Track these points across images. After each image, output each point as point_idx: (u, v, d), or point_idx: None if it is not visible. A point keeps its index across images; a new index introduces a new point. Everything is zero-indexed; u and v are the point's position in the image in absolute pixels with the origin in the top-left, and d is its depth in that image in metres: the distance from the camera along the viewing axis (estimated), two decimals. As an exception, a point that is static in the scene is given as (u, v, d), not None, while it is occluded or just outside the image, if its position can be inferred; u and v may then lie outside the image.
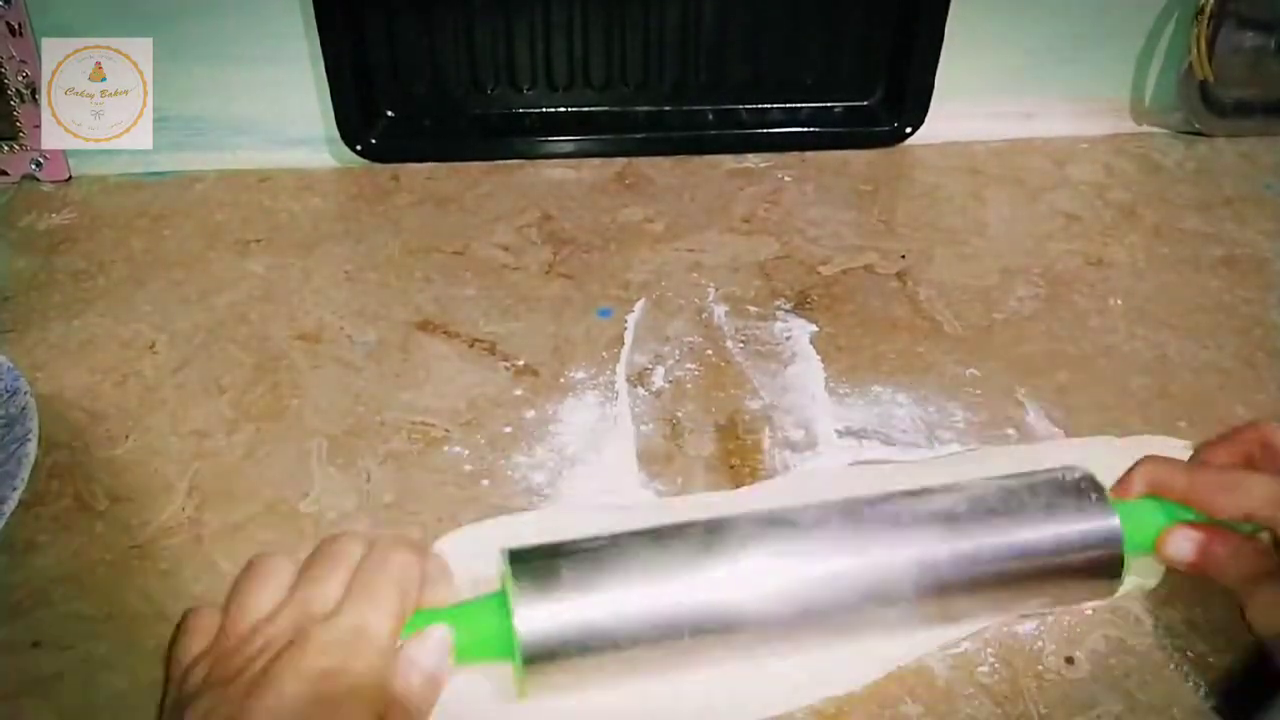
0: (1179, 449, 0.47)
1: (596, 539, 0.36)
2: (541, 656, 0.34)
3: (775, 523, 0.37)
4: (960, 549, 0.37)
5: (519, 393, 0.52)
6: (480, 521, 0.44)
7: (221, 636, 0.32)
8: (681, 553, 0.36)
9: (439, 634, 0.33)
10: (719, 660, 0.37)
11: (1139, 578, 0.42)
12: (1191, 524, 0.38)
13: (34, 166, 0.68)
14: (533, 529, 0.43)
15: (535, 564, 0.35)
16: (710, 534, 0.36)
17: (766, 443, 0.49)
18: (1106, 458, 0.46)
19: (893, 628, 0.38)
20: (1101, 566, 0.38)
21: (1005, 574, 0.37)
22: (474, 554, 0.40)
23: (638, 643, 0.34)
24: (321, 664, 0.30)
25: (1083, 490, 0.38)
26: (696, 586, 0.35)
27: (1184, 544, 0.37)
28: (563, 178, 0.70)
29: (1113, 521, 0.37)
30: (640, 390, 0.52)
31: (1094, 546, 0.37)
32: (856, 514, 0.38)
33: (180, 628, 0.33)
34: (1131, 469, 0.40)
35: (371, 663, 0.31)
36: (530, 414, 0.50)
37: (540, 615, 0.34)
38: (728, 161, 0.72)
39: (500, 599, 0.35)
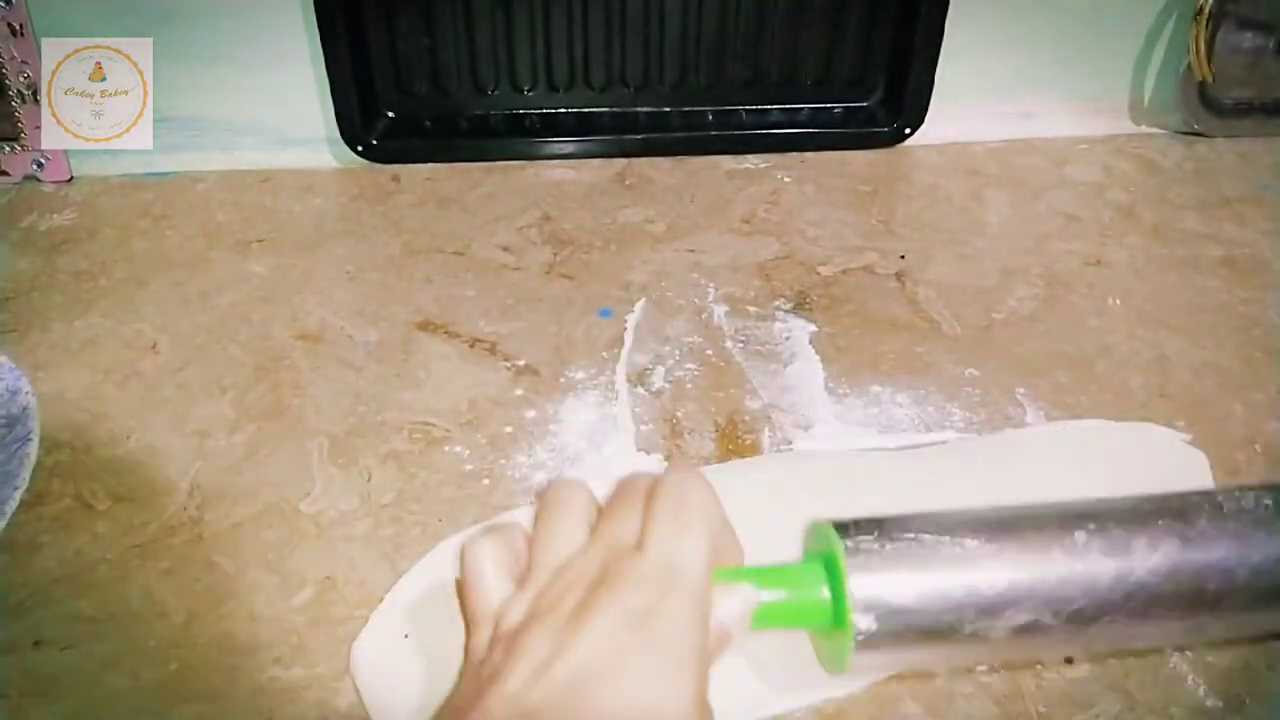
0: (1176, 439, 0.49)
1: (918, 516, 0.35)
2: (875, 628, 0.33)
3: (1082, 517, 0.35)
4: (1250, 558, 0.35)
5: (519, 393, 0.52)
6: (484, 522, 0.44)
7: (531, 576, 0.33)
8: (1001, 540, 0.35)
9: (746, 590, 0.33)
10: (1039, 652, 0.37)
11: None
12: None
13: (35, 167, 0.68)
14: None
15: (862, 536, 0.34)
16: (1024, 526, 0.35)
17: (766, 443, 0.49)
18: (1102, 440, 0.48)
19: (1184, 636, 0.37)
20: None
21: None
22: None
23: (964, 624, 0.33)
24: (636, 602, 0.29)
25: None
26: (1024, 576, 0.34)
27: None
28: (563, 178, 0.70)
29: None
30: (640, 390, 0.52)
31: None
32: (1142, 521, 0.35)
33: (470, 566, 0.34)
34: None
35: (687, 599, 0.30)
36: (531, 414, 0.50)
37: (875, 585, 0.33)
38: (728, 162, 0.72)
39: (813, 565, 0.35)
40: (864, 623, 0.33)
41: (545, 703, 0.28)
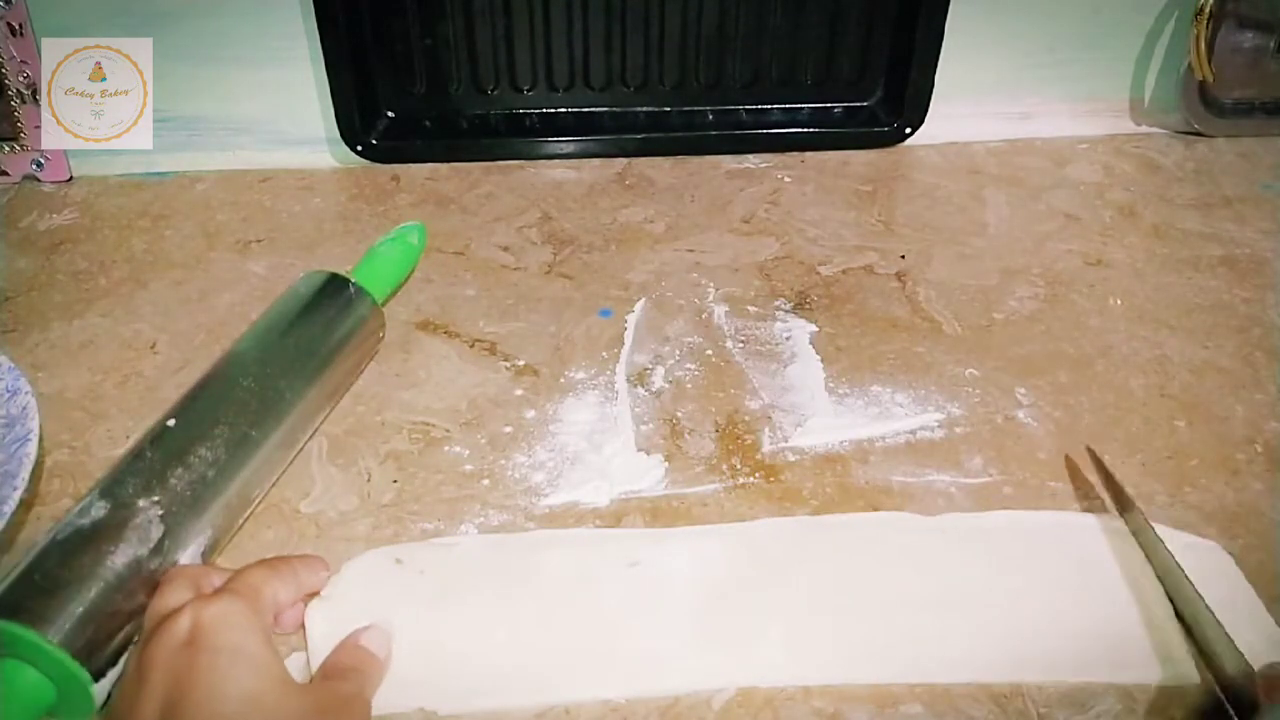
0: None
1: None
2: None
3: None
4: None
5: (519, 393, 0.52)
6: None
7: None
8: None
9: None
10: None
11: None
12: None
13: (35, 167, 0.68)
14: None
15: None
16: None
17: (766, 443, 0.49)
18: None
19: None
20: None
21: None
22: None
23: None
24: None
25: None
26: None
27: None
28: (563, 178, 0.70)
29: None
30: (640, 390, 0.52)
31: None
32: None
33: (163, 582, 0.38)
34: None
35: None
36: (530, 414, 0.50)
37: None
38: (728, 162, 0.72)
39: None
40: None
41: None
